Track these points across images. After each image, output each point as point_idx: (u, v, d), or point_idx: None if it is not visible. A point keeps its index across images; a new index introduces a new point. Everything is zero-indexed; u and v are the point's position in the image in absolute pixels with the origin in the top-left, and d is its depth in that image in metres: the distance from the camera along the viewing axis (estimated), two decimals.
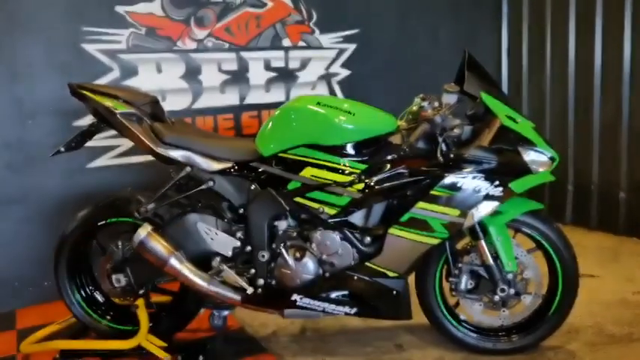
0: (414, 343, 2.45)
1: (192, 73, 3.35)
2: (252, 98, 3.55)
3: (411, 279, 2.27)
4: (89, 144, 3.04)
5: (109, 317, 2.44)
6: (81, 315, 2.40)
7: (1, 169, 2.95)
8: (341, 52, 3.81)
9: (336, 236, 2.11)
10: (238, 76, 3.50)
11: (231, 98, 3.49)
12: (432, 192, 2.00)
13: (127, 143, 3.20)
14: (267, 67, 3.58)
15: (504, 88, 4.41)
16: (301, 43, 3.66)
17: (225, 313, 2.66)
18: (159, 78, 3.26)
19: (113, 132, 3.08)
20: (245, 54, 3.49)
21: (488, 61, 4.33)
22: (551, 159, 2.08)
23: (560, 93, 4.06)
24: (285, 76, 3.64)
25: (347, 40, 3.81)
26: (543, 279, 2.25)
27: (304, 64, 3.69)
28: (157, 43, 3.24)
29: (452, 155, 2.03)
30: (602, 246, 3.63)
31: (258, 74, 3.55)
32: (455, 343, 2.33)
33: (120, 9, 3.12)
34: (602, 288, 2.94)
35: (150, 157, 3.16)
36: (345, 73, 3.83)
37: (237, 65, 3.48)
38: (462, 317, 2.35)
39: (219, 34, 3.40)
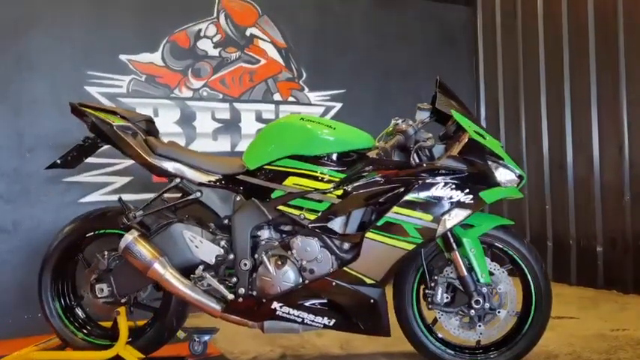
0: None
1: (186, 120, 3.56)
2: (243, 146, 3.71)
3: (390, 301, 2.32)
4: (83, 179, 3.22)
5: (85, 331, 2.45)
6: (59, 327, 2.40)
7: None
8: (328, 109, 4.06)
9: (315, 243, 2.20)
10: (230, 125, 3.70)
11: (222, 145, 3.67)
12: (406, 198, 2.12)
13: (119, 181, 3.34)
14: (259, 118, 3.79)
15: None
16: (291, 99, 3.91)
17: (206, 338, 2.65)
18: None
19: (108, 169, 3.29)
20: (238, 105, 3.72)
21: None
22: (520, 177, 2.23)
23: (535, 155, 4.30)
24: None
25: (333, 98, 4.07)
26: (517, 295, 2.31)
27: None
28: (156, 89, 3.47)
29: (424, 164, 2.17)
30: (583, 296, 3.68)
31: (249, 124, 3.76)
32: (432, 359, 2.34)
33: (123, 57, 3.37)
34: (581, 326, 2.98)
35: (141, 195, 3.34)
36: None
37: (229, 115, 3.70)
38: (440, 335, 2.38)
39: (214, 85, 3.64)
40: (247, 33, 3.76)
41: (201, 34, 3.61)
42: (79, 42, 3.24)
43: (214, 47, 3.65)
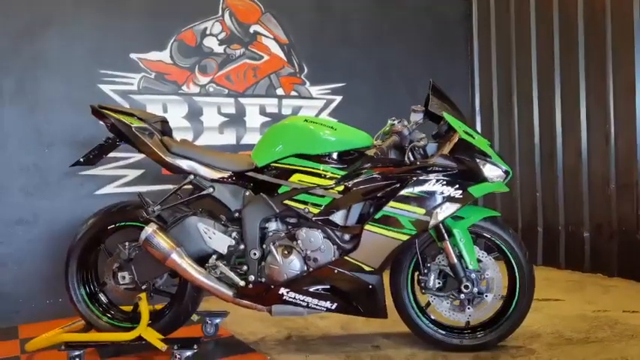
0: (390, 345, 2.67)
1: (194, 114, 3.74)
2: (248, 139, 3.92)
3: (387, 286, 2.53)
4: (98, 172, 3.42)
5: (109, 315, 2.66)
6: (84, 311, 2.62)
7: (15, 192, 3.24)
8: (329, 102, 4.24)
9: (319, 234, 2.41)
10: (236, 119, 3.89)
11: (228, 138, 3.86)
12: (402, 193, 2.33)
13: (131, 174, 3.54)
14: (262, 112, 3.98)
15: None
16: (293, 93, 4.09)
17: (217, 320, 2.90)
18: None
19: (121, 162, 3.49)
20: (242, 100, 3.90)
21: None
22: (506, 172, 2.43)
23: (527, 145, 4.50)
24: (278, 121, 4.00)
25: (334, 92, 4.25)
26: (503, 280, 2.52)
27: (295, 111, 4.10)
28: (165, 86, 3.64)
29: (418, 162, 2.37)
30: (570, 279, 3.91)
31: (253, 118, 3.95)
32: (425, 339, 2.56)
33: (134, 56, 3.54)
34: (564, 307, 3.20)
35: (152, 187, 3.54)
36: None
37: (235, 109, 3.88)
38: (433, 317, 2.60)
39: (220, 81, 3.82)
40: (251, 30, 3.93)
41: (207, 32, 3.78)
42: (91, 42, 3.40)
43: (219, 44, 3.82)
